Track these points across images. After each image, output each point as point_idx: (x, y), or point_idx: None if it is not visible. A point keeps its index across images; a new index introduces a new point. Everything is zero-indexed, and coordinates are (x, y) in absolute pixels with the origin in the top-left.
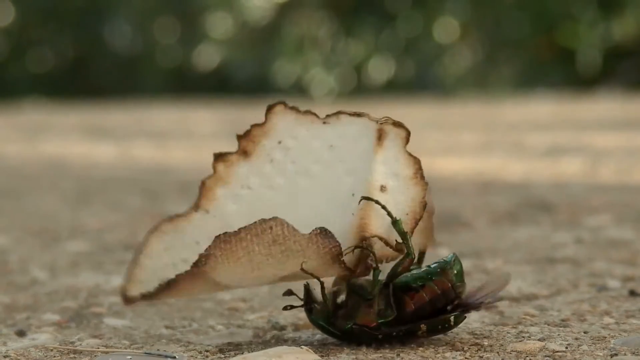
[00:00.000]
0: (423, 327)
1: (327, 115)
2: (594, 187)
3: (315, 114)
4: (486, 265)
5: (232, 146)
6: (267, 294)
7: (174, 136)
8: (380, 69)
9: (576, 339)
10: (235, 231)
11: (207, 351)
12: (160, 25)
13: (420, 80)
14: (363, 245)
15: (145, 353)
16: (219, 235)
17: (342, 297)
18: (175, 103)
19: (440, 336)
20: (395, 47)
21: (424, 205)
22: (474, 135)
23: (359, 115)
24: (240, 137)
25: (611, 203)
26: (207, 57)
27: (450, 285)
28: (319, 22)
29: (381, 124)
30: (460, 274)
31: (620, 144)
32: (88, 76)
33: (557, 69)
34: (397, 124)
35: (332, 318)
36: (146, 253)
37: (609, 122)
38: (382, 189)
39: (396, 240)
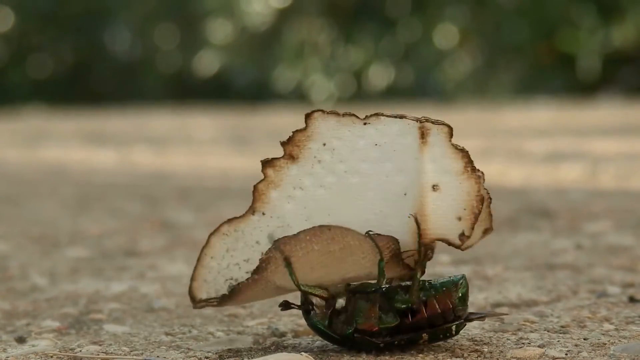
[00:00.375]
0: (425, 336)
1: (367, 116)
2: (593, 193)
3: (355, 115)
4: (486, 272)
5: (231, 151)
6: (267, 301)
7: (173, 142)
8: (380, 75)
9: (576, 345)
10: (295, 234)
11: (207, 357)
12: (160, 31)
13: (420, 86)
14: (422, 250)
15: None
16: (278, 238)
17: (341, 303)
18: (175, 109)
19: (440, 342)
20: (395, 53)
21: (482, 199)
22: (474, 141)
23: (397, 116)
24: (284, 143)
25: (611, 209)
26: (207, 63)
27: (451, 307)
28: (318, 28)
29: (421, 122)
30: (464, 298)
31: (620, 150)
32: (88, 82)
33: (557, 74)
34: (437, 122)
35: (332, 322)
36: (210, 254)
37: (609, 128)
38: (435, 188)
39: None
